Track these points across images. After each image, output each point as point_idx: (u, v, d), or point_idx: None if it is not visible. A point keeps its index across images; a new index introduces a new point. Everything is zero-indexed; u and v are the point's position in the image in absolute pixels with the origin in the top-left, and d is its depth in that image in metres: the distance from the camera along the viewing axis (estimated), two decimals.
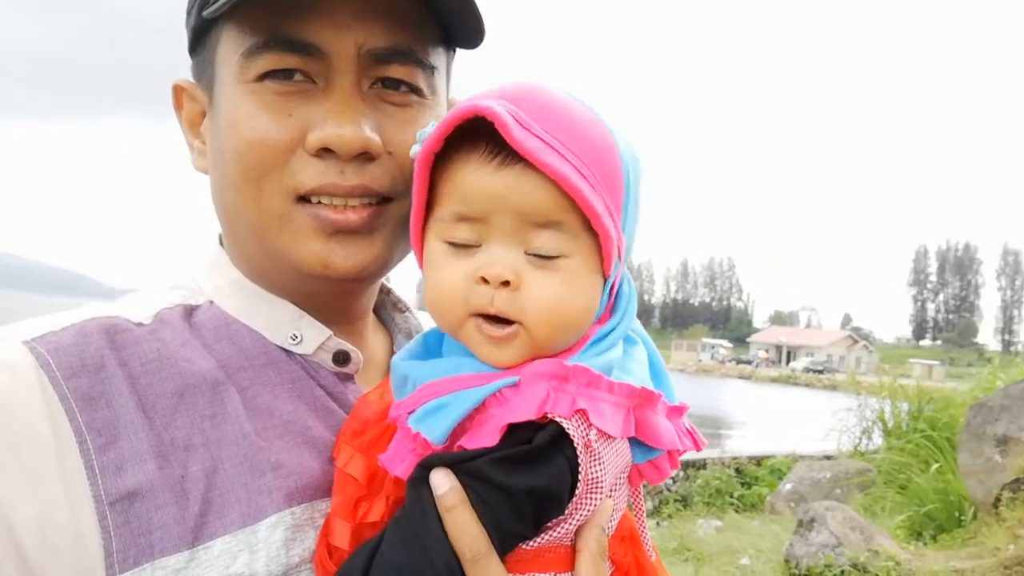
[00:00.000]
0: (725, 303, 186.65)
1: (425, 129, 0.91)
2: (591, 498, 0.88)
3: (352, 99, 0.95)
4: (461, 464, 0.84)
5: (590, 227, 0.87)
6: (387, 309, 1.23)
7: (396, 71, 0.97)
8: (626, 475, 0.96)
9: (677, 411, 0.96)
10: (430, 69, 1.00)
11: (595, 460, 0.86)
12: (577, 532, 0.90)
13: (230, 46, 0.96)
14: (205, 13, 0.93)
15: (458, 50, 1.09)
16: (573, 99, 0.90)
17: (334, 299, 1.06)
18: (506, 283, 0.86)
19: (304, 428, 0.97)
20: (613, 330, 0.93)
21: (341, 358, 1.04)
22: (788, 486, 10.44)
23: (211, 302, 1.04)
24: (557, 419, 0.83)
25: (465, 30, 1.02)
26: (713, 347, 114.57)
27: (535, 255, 0.88)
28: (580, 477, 0.85)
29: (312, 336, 1.03)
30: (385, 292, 1.22)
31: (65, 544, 0.82)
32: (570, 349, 0.90)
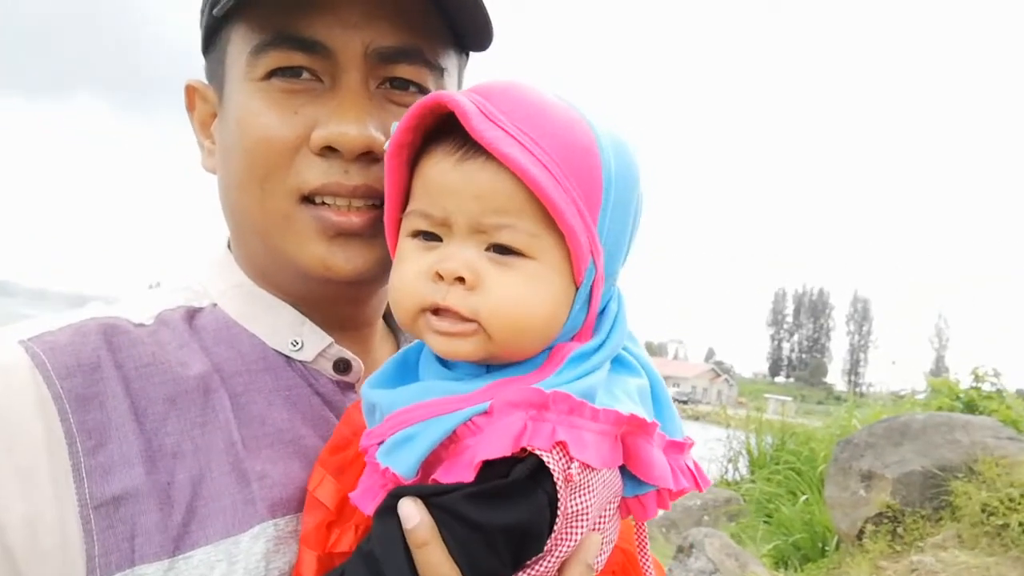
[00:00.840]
0: None
1: (396, 123, 0.88)
2: (571, 533, 0.82)
3: (358, 98, 0.94)
4: (433, 497, 0.78)
5: (557, 227, 0.82)
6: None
7: (404, 71, 0.97)
8: (616, 505, 0.90)
9: (677, 447, 0.91)
10: (439, 70, 0.99)
11: (575, 493, 0.80)
12: (561, 568, 0.84)
13: (239, 45, 0.96)
14: (215, 11, 0.92)
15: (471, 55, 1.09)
16: (554, 98, 0.86)
17: (339, 304, 1.04)
18: (461, 280, 0.82)
19: (296, 437, 0.95)
20: (596, 351, 0.86)
21: (342, 366, 1.02)
22: (660, 512, 10.71)
23: (215, 305, 1.02)
24: (536, 452, 0.76)
25: (473, 30, 1.00)
26: None
27: (494, 252, 0.83)
28: (559, 512, 0.79)
29: (313, 343, 1.01)
30: None
31: (52, 547, 0.79)
32: (543, 369, 0.84)
